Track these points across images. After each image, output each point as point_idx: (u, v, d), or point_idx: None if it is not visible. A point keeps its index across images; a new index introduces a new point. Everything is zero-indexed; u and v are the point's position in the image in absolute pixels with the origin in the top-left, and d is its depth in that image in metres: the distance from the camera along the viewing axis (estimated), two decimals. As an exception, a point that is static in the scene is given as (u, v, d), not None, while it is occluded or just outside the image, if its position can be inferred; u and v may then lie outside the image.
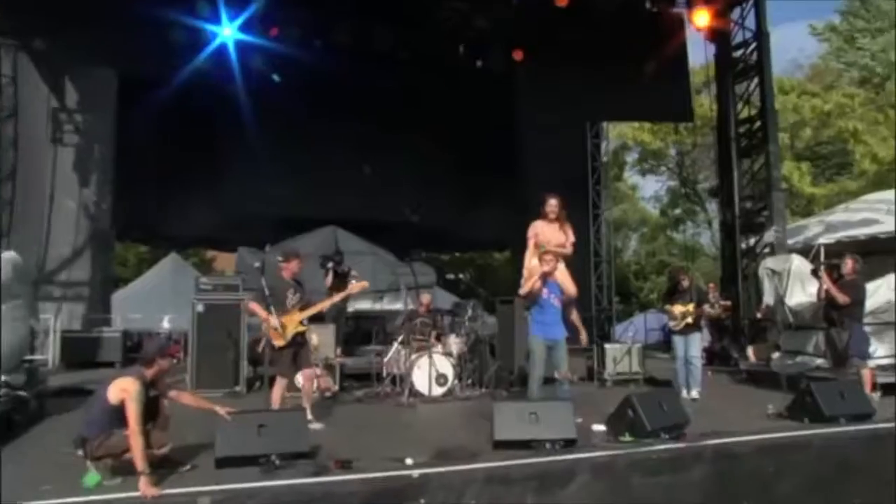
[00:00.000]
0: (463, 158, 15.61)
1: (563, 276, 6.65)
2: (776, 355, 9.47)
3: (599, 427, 6.09)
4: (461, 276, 9.91)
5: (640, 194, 30.13)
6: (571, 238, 6.90)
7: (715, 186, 20.45)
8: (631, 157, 26.69)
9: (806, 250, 11.02)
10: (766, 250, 12.00)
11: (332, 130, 14.46)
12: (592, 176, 14.92)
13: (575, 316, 6.89)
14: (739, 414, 7.02)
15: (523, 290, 6.52)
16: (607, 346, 9.82)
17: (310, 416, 5.91)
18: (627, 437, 5.71)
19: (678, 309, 8.24)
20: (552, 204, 6.77)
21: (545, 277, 6.44)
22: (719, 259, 22.79)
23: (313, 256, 11.68)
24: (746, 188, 12.67)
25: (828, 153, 21.89)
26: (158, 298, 13.83)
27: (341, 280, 9.70)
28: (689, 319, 8.15)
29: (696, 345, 8.24)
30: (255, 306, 6.19)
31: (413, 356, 8.13)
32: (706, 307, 8.22)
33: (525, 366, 8.25)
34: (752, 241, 12.51)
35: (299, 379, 6.76)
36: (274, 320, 6.02)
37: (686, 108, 14.82)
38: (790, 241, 11.93)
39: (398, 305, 11.69)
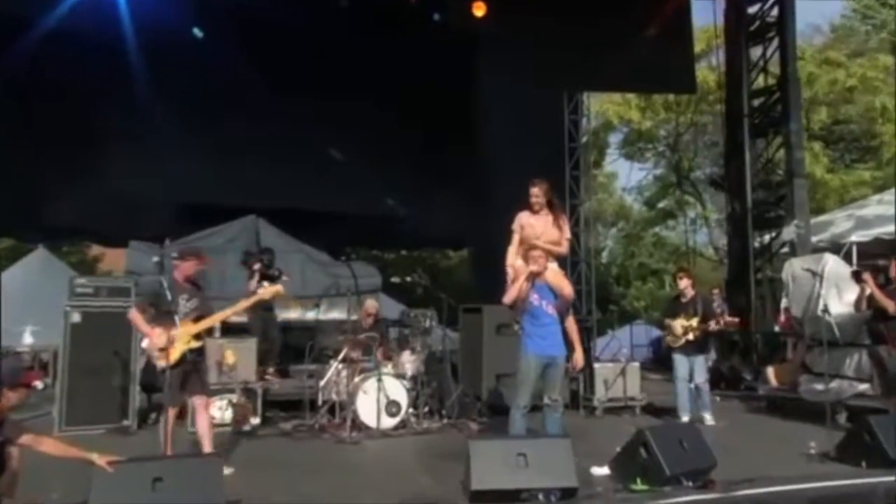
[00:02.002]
0: (413, 136, 15.35)
1: (555, 277, 6.50)
2: (804, 378, 9.30)
3: (601, 470, 5.89)
4: (416, 278, 9.44)
5: (619, 183, 30.31)
6: (567, 233, 6.80)
7: (714, 174, 20.65)
8: (614, 139, 26.86)
9: (833, 250, 10.91)
10: (785, 249, 12.07)
11: (252, 99, 13.98)
12: (570, 160, 14.58)
13: (571, 327, 6.63)
14: (772, 454, 6.88)
15: (507, 297, 6.35)
16: (597, 365, 9.68)
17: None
18: (640, 485, 5.44)
19: (680, 324, 8.25)
20: (534, 193, 6.66)
21: (533, 279, 6.28)
22: (718, 261, 23.67)
23: (231, 253, 11.62)
24: (760, 174, 12.69)
25: (848, 135, 22.17)
26: (19, 305, 12.91)
27: (271, 282, 9.46)
28: (691, 336, 8.13)
29: (701, 367, 8.28)
30: (134, 316, 5.96)
31: (357, 378, 8.00)
32: (711, 324, 8.23)
33: (504, 391, 8.43)
34: (766, 238, 12.60)
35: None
36: (158, 334, 5.80)
37: (688, 75, 14.68)
38: (813, 239, 11.91)
39: (336, 315, 11.35)
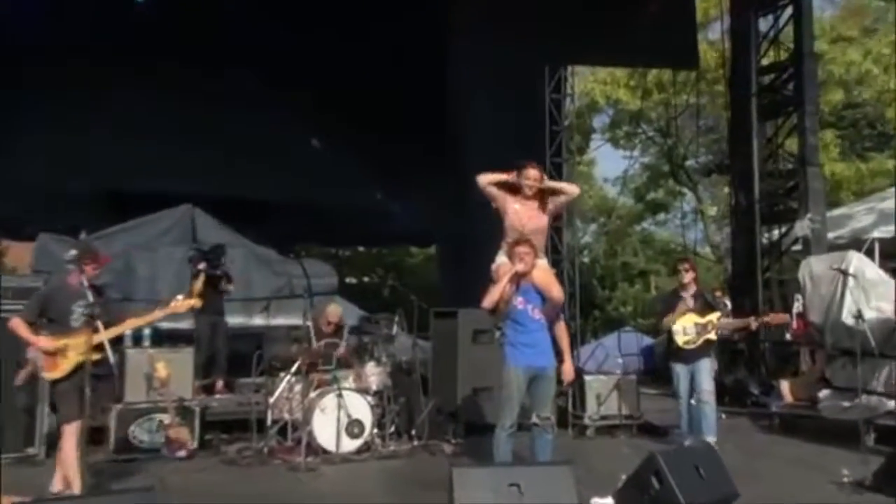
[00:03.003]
0: (376, 119, 15.16)
1: (543, 276, 6.41)
2: (825, 394, 9.26)
3: (603, 501, 5.84)
4: (389, 279, 9.29)
5: (601, 172, 30.37)
6: (566, 187, 6.91)
7: (711, 162, 20.72)
8: (599, 123, 26.76)
9: (852, 247, 10.97)
10: (797, 247, 12.02)
11: (190, 74, 13.78)
12: (551, 145, 14.47)
13: (561, 334, 6.58)
14: (798, 481, 6.82)
15: (488, 300, 6.25)
16: (588, 378, 9.63)
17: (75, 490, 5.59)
18: (652, 519, 5.31)
19: (682, 321, 8.01)
20: (532, 177, 6.55)
21: (518, 280, 6.20)
22: (716, 259, 23.79)
23: (163, 249, 11.75)
24: (769, 162, 12.66)
25: (862, 119, 22.22)
26: None
27: (213, 288, 9.90)
28: (712, 335, 7.96)
29: (706, 375, 8.03)
30: (16, 323, 5.91)
31: (313, 394, 7.96)
32: (752, 321, 8.10)
33: (482, 406, 8.62)
34: (775, 233, 12.56)
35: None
36: (44, 342, 5.83)
37: (689, 48, 14.73)
38: (830, 235, 11.96)
39: (284, 320, 11.27)
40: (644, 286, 26.55)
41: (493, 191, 6.59)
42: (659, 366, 15.88)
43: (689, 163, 23.16)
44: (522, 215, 6.52)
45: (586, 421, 9.29)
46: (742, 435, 9.22)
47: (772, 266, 12.57)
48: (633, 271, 26.29)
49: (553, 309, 6.37)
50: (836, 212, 13.98)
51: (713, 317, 7.94)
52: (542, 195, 6.60)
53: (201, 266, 10.10)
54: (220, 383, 10.00)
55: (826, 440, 8.44)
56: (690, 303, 8.06)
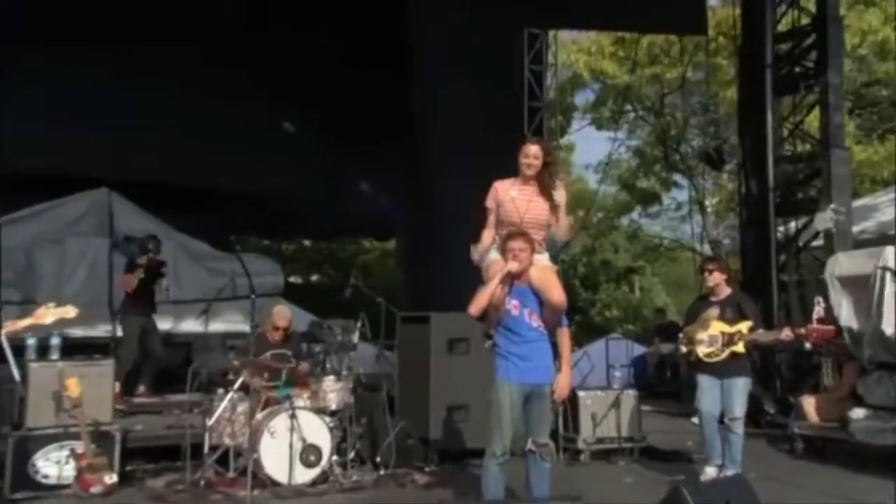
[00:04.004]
0: (322, 90, 15.37)
1: (541, 276, 6.22)
2: (857, 413, 9.11)
3: None
4: (353, 277, 9.85)
5: (580, 159, 30.58)
6: (563, 218, 6.45)
7: (707, 146, 20.66)
8: (583, 99, 26.88)
9: (878, 242, 10.99)
10: (818, 242, 12.01)
11: (109, 37, 13.83)
12: (529, 124, 14.62)
13: (564, 342, 6.42)
14: None
15: (475, 305, 6.05)
16: (581, 394, 9.50)
17: None
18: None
19: (719, 329, 7.84)
20: (532, 153, 6.31)
21: (511, 281, 6.03)
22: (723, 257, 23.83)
23: (74, 239, 11.81)
24: (786, 144, 12.65)
25: (882, 99, 22.35)
26: None
27: (149, 282, 10.12)
28: (739, 347, 7.74)
29: (739, 397, 7.87)
30: None
31: (260, 414, 7.84)
32: (785, 332, 7.90)
33: (459, 428, 8.65)
34: (792, 226, 12.54)
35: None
36: None
37: (697, 10, 14.76)
38: (854, 229, 11.93)
39: (220, 326, 11.39)
40: (630, 287, 26.72)
41: (491, 233, 6.42)
42: (653, 379, 15.99)
43: (684, 147, 23.30)
44: (520, 203, 6.31)
45: (580, 444, 9.21)
46: (763, 461, 9.13)
47: (788, 265, 12.54)
48: (618, 270, 26.35)
49: (554, 314, 6.20)
50: (858, 202, 14.02)
51: (743, 326, 7.77)
52: (544, 178, 6.36)
53: (142, 260, 10.19)
54: (141, 388, 10.02)
55: (860, 467, 8.39)
56: (715, 311, 7.93)
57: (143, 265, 10.17)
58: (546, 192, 6.29)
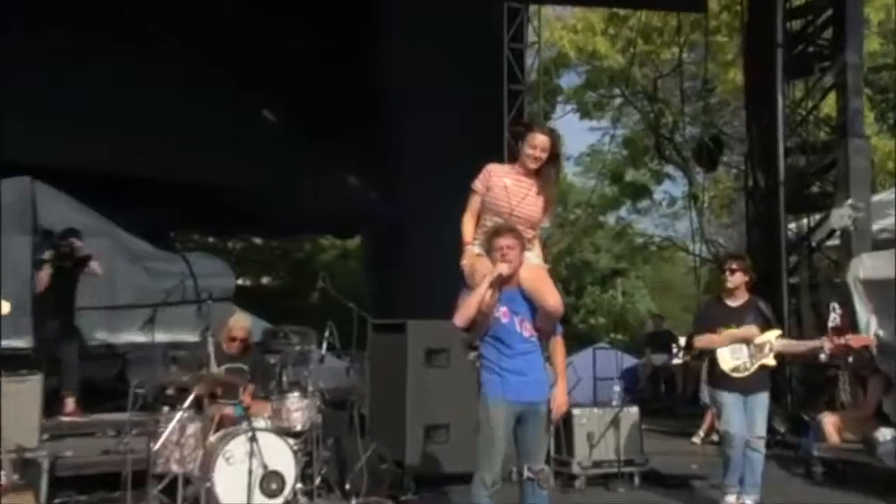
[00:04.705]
0: (278, 71, 15.45)
1: (535, 278, 6.11)
2: (884, 434, 9.12)
3: None
4: (320, 280, 9.34)
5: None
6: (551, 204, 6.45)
7: (701, 137, 20.71)
8: (569, 81, 26.89)
9: None
10: (833, 241, 12.07)
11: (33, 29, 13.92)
12: (509, 109, 14.62)
13: (558, 352, 6.34)
14: None
15: (462, 315, 5.91)
16: (576, 411, 9.40)
17: None
18: None
19: (744, 334, 7.73)
20: (540, 144, 6.17)
21: (500, 285, 5.90)
22: (712, 258, 23.83)
23: None
24: (798, 132, 12.70)
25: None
26: None
27: (66, 281, 10.05)
28: (768, 359, 7.70)
29: (762, 414, 7.84)
30: None
31: (213, 437, 7.61)
32: (825, 343, 8.11)
33: (438, 449, 8.66)
34: (804, 224, 12.62)
35: None
36: None
37: None
38: (874, 227, 11.97)
39: (164, 335, 11.07)
40: (614, 290, 26.82)
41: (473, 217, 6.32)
42: (645, 394, 15.90)
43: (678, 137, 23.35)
44: (514, 195, 6.16)
45: (575, 469, 9.16)
46: (779, 487, 9.02)
47: (799, 267, 12.58)
48: (603, 273, 26.39)
49: (549, 322, 6.07)
50: (875, 198, 14.04)
51: (771, 336, 7.69)
52: (548, 173, 6.28)
53: (47, 255, 10.04)
54: (69, 402, 9.79)
55: (886, 494, 8.43)
56: (738, 316, 7.82)
57: (49, 260, 9.99)
58: (545, 189, 6.22)
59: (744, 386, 7.70)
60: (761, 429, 7.73)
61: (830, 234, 12.12)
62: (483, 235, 6.07)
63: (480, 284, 5.84)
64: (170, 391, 8.00)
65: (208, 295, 9.99)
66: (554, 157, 6.26)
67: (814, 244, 12.47)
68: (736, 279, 7.86)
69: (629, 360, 16.94)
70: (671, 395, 15.65)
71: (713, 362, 7.89)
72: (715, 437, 12.19)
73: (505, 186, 6.16)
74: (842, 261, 11.62)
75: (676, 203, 26.58)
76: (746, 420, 7.70)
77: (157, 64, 14.51)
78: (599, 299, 25.58)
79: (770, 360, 7.67)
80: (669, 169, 25.81)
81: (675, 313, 24.30)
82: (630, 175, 26.82)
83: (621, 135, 26.37)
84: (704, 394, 12.56)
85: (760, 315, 7.79)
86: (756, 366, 7.65)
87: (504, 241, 5.82)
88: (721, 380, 7.77)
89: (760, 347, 7.65)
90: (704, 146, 18.03)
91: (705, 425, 12.02)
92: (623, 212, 28.42)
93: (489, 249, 5.93)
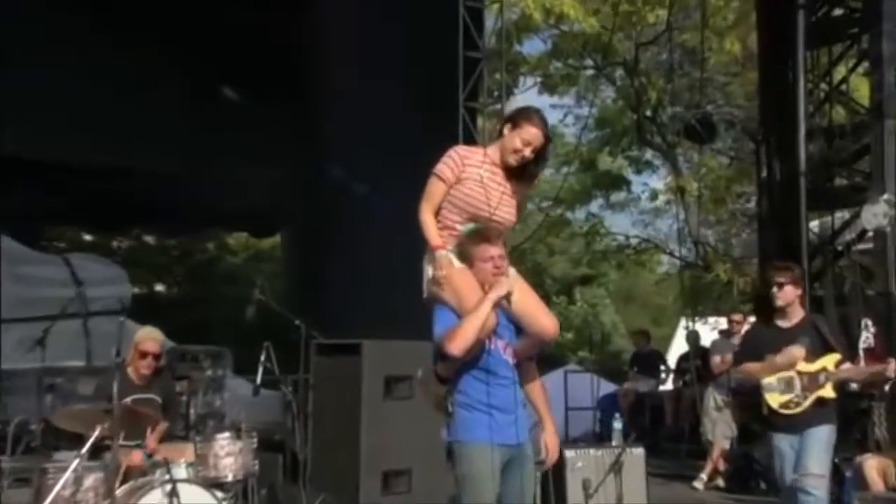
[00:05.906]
0: (194, 53, 15.35)
1: (524, 297, 5.98)
2: None
3: None
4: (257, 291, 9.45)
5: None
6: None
7: (693, 116, 20.82)
8: (532, 51, 26.97)
9: None
10: (865, 244, 12.13)
11: None
12: (465, 82, 14.71)
13: (535, 385, 6.19)
14: None
15: (460, 344, 5.58)
16: (569, 453, 9.45)
17: None
18: None
19: (786, 359, 7.52)
20: (531, 136, 5.94)
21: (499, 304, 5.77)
22: (699, 262, 24.16)
23: None
24: (821, 113, 12.82)
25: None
26: None
27: None
28: (827, 390, 7.49)
29: (818, 451, 7.52)
30: None
31: (121, 491, 7.41)
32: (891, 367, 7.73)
33: (398, 501, 8.76)
34: (829, 222, 12.81)
35: None
36: None
37: None
38: None
39: (46, 359, 10.66)
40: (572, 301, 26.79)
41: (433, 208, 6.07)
42: (627, 426, 15.79)
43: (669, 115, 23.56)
44: (492, 192, 5.94)
45: None
46: None
47: (824, 274, 12.64)
48: (570, 281, 26.39)
49: (535, 348, 6.02)
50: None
51: (828, 361, 7.45)
52: (530, 172, 6.14)
53: None
54: None
55: None
56: (791, 339, 7.60)
57: None
58: (520, 192, 6.11)
59: (799, 423, 7.51)
60: (816, 465, 7.40)
61: (861, 235, 12.16)
62: (454, 240, 5.85)
63: (480, 306, 5.58)
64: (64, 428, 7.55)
65: (90, 307, 9.95)
66: (540, 157, 6.07)
67: (840, 248, 12.54)
68: (786, 295, 7.67)
69: (607, 386, 16.87)
70: (657, 428, 15.58)
71: (758, 397, 7.71)
72: (720, 482, 12.23)
73: (481, 179, 5.92)
74: (875, 268, 11.73)
75: (658, 197, 26.99)
76: (800, 458, 7.49)
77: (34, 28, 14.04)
78: (566, 311, 25.62)
79: (828, 392, 7.45)
80: (649, 156, 26.18)
81: (643, 327, 24.58)
82: (603, 163, 27.08)
83: (593, 114, 26.69)
84: (707, 428, 12.59)
85: (818, 336, 7.60)
86: (810, 400, 7.46)
87: (496, 251, 5.68)
88: (770, 418, 7.63)
89: (814, 377, 7.49)
90: (693, 124, 18.12)
91: (709, 468, 12.11)
92: (595, 207, 28.84)
93: (469, 258, 5.72)
